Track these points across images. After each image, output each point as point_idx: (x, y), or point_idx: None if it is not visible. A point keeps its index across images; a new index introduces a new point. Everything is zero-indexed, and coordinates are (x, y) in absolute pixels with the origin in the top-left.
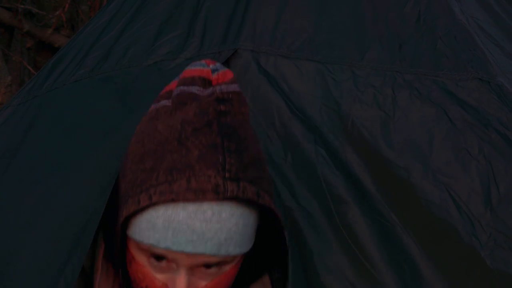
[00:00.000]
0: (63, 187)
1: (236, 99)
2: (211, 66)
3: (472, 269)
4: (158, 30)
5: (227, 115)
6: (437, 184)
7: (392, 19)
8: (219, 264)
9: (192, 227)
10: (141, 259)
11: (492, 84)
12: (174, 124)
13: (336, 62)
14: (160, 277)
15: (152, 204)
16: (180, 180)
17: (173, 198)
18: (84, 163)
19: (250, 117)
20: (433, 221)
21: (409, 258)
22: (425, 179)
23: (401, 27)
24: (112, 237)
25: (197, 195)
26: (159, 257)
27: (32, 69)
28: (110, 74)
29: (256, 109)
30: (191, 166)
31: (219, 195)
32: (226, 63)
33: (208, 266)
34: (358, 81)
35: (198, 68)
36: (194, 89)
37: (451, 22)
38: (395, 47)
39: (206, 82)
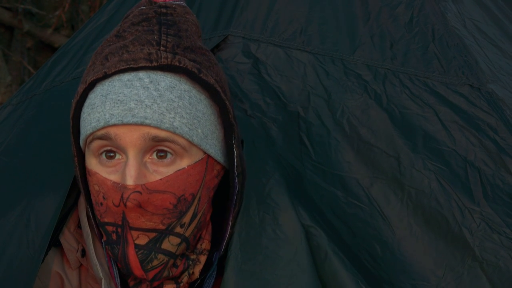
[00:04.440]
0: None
1: (180, 9)
2: None
3: (464, 259)
4: None
5: (168, 15)
6: (427, 173)
7: (384, 18)
8: (171, 152)
9: (128, 95)
10: (95, 167)
11: (482, 91)
12: (115, 29)
13: (327, 54)
14: (112, 177)
15: (89, 88)
16: (113, 58)
17: (106, 72)
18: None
19: (197, 27)
20: (423, 210)
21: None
22: (415, 168)
23: (393, 27)
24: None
25: (129, 63)
26: (108, 152)
27: (32, 69)
28: None
29: (246, 87)
30: (125, 46)
31: (152, 62)
32: (216, 48)
33: (160, 155)
34: (349, 73)
35: None
36: (139, 8)
37: (443, 28)
38: (387, 45)
39: (151, 2)
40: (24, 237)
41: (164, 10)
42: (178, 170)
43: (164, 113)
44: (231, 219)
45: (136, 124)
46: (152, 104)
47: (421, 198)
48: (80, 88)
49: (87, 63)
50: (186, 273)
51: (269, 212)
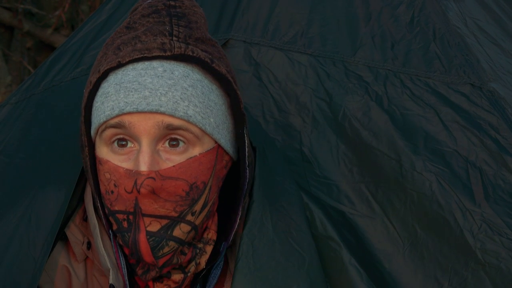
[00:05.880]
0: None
1: (188, 2)
2: None
3: (467, 262)
4: None
5: (177, 7)
6: (428, 175)
7: (385, 18)
8: (184, 139)
9: (143, 83)
10: (106, 155)
11: (484, 89)
12: (125, 21)
13: (328, 56)
14: (125, 165)
15: (102, 77)
16: (126, 48)
17: (120, 61)
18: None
19: (204, 20)
20: (426, 214)
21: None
22: (416, 170)
23: (394, 27)
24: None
25: (143, 53)
26: (120, 141)
27: (32, 69)
28: None
29: (246, 100)
30: (137, 36)
31: (166, 52)
32: None
33: (173, 144)
34: (350, 74)
35: None
36: (147, 2)
37: (444, 27)
38: (388, 46)
39: None
40: (25, 236)
41: (172, 3)
42: (190, 158)
43: (178, 102)
44: (240, 209)
45: (151, 112)
46: (166, 93)
47: (423, 201)
48: (93, 78)
49: (86, 62)
50: (193, 262)
51: (282, 220)
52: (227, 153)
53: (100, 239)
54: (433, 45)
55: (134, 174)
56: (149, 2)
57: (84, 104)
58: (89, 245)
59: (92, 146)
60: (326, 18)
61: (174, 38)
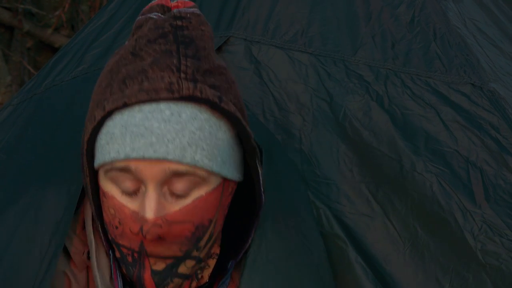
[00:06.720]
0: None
1: (195, 19)
2: None
3: (468, 263)
4: None
5: (184, 29)
6: (428, 176)
7: (385, 18)
8: (190, 183)
9: (150, 128)
10: (111, 191)
11: (484, 89)
12: (130, 43)
13: (328, 55)
14: (131, 206)
15: (107, 116)
16: (133, 85)
17: (126, 102)
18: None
19: (212, 38)
20: (427, 214)
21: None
22: (416, 171)
23: (394, 26)
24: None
25: (150, 95)
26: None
27: (32, 69)
28: None
29: (247, 98)
30: (144, 70)
31: (174, 93)
32: (218, 50)
33: (180, 186)
34: (351, 74)
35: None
36: (152, 15)
37: (444, 27)
38: (388, 45)
39: (164, 9)
40: (24, 234)
41: (179, 23)
42: (196, 199)
43: (185, 148)
44: (253, 232)
45: (157, 159)
46: (173, 139)
47: (424, 202)
48: (97, 114)
49: (87, 61)
50: (195, 277)
51: (292, 217)
52: (233, 181)
53: (95, 259)
54: (433, 45)
55: (140, 219)
56: (155, 20)
57: (86, 138)
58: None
59: (93, 174)
60: (326, 17)
61: (182, 74)
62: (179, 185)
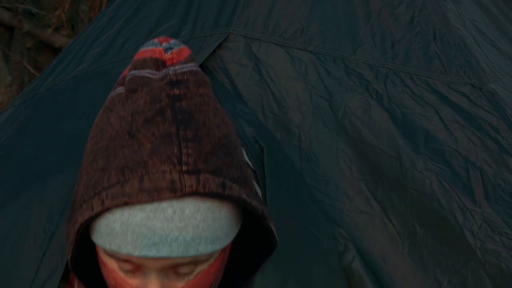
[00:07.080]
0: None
1: (193, 80)
2: (164, 44)
3: (467, 261)
4: (155, 23)
5: (182, 99)
6: (428, 174)
7: (385, 18)
8: (193, 263)
9: (152, 228)
10: (111, 264)
11: (483, 90)
12: (125, 116)
13: (328, 53)
14: (132, 282)
15: (106, 209)
16: (133, 180)
17: (126, 201)
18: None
19: (211, 97)
20: (426, 212)
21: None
22: (416, 169)
23: (394, 26)
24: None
25: (151, 196)
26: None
27: (32, 69)
28: (107, 67)
29: (246, 95)
30: (143, 162)
31: (176, 193)
32: (218, 47)
33: (183, 270)
34: (350, 72)
35: (150, 48)
36: (146, 72)
37: (444, 27)
38: (388, 45)
39: (159, 63)
40: (25, 230)
41: (177, 92)
42: (199, 274)
43: (189, 244)
44: (260, 270)
45: (161, 258)
46: (177, 238)
47: (423, 200)
48: (96, 207)
49: (87, 60)
50: None
51: (298, 208)
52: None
53: None
54: (433, 45)
55: None
56: (151, 88)
57: (83, 221)
58: None
59: (79, 243)
60: (326, 16)
61: (183, 167)
62: (183, 269)
